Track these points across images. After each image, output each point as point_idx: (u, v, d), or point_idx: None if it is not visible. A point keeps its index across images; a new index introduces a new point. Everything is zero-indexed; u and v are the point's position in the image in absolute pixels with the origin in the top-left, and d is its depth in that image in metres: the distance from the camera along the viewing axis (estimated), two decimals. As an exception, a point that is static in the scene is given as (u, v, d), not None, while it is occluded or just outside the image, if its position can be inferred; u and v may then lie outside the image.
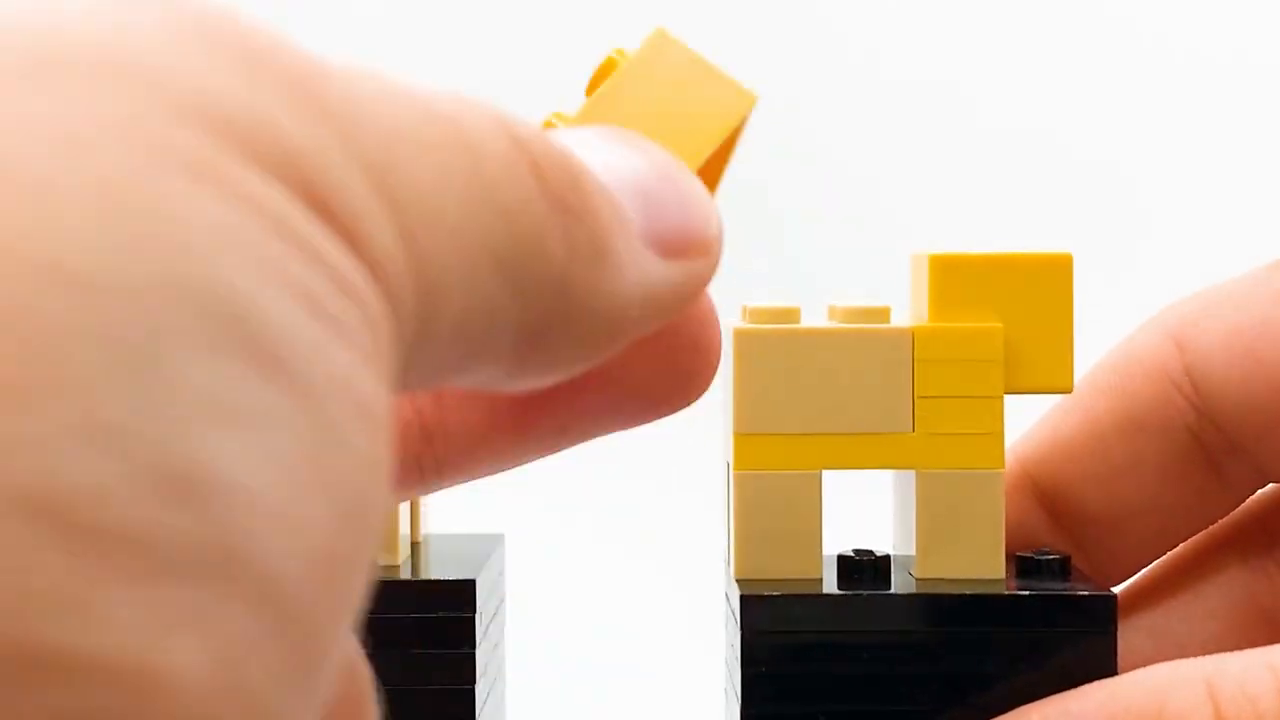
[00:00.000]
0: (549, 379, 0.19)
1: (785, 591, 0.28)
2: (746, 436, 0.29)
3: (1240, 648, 0.27)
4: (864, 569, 0.29)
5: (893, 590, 0.28)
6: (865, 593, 0.28)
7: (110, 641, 0.12)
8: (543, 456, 0.23)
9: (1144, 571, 0.33)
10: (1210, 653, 0.27)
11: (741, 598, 0.28)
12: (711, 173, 0.23)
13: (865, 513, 0.34)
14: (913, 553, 0.29)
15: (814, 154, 0.72)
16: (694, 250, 0.20)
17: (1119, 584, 0.32)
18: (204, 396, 0.13)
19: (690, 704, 0.48)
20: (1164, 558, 0.33)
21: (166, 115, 0.14)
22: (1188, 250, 0.67)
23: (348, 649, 0.20)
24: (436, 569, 0.31)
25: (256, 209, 0.14)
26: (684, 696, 0.50)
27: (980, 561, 0.29)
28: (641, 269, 0.19)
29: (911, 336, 0.29)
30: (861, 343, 0.29)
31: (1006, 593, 0.28)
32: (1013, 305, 0.29)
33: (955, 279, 0.29)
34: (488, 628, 0.32)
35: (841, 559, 0.29)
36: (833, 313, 0.30)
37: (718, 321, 0.23)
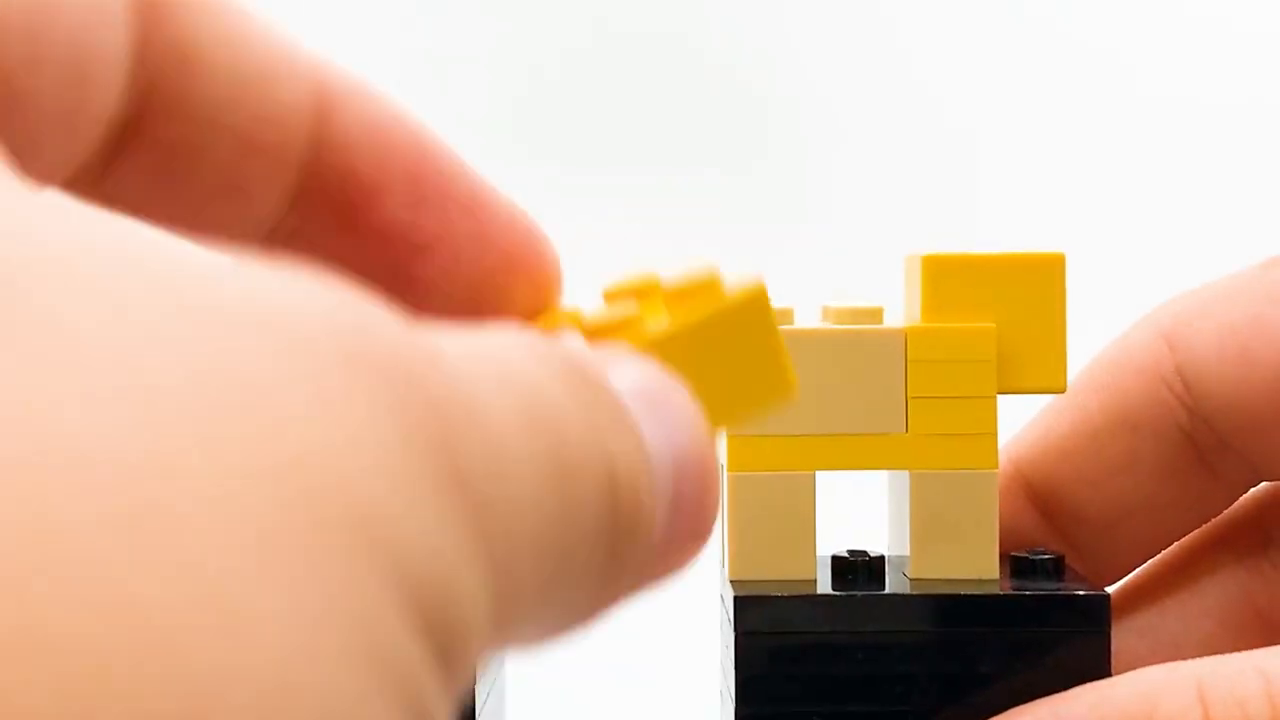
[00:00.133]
0: None
1: (780, 592, 0.28)
2: (740, 438, 0.29)
3: (1235, 647, 0.27)
4: (858, 570, 0.29)
5: (887, 591, 0.28)
6: (859, 593, 0.28)
7: None
8: None
9: (1138, 571, 0.33)
10: (1205, 652, 0.27)
11: (736, 599, 0.28)
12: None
13: (859, 513, 0.34)
14: (907, 553, 0.29)
15: (807, 154, 0.72)
16: (693, 553, 0.19)
17: (1113, 584, 0.32)
18: None
19: (686, 705, 0.48)
20: (1158, 557, 0.33)
21: (372, 588, 0.13)
22: (1180, 249, 0.67)
23: None
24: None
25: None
26: (680, 697, 0.50)
27: (974, 562, 0.29)
28: (645, 572, 0.19)
29: (904, 337, 0.29)
30: (855, 343, 0.29)
31: (1001, 593, 0.28)
32: (1006, 305, 0.29)
33: (948, 279, 0.29)
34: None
35: (836, 560, 0.29)
36: (826, 313, 0.30)
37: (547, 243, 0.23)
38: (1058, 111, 0.72)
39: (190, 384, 0.13)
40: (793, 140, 0.71)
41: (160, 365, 0.13)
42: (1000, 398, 0.29)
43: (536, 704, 0.46)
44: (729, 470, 0.29)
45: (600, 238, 0.70)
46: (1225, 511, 0.33)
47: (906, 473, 0.29)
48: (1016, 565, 0.29)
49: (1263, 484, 0.32)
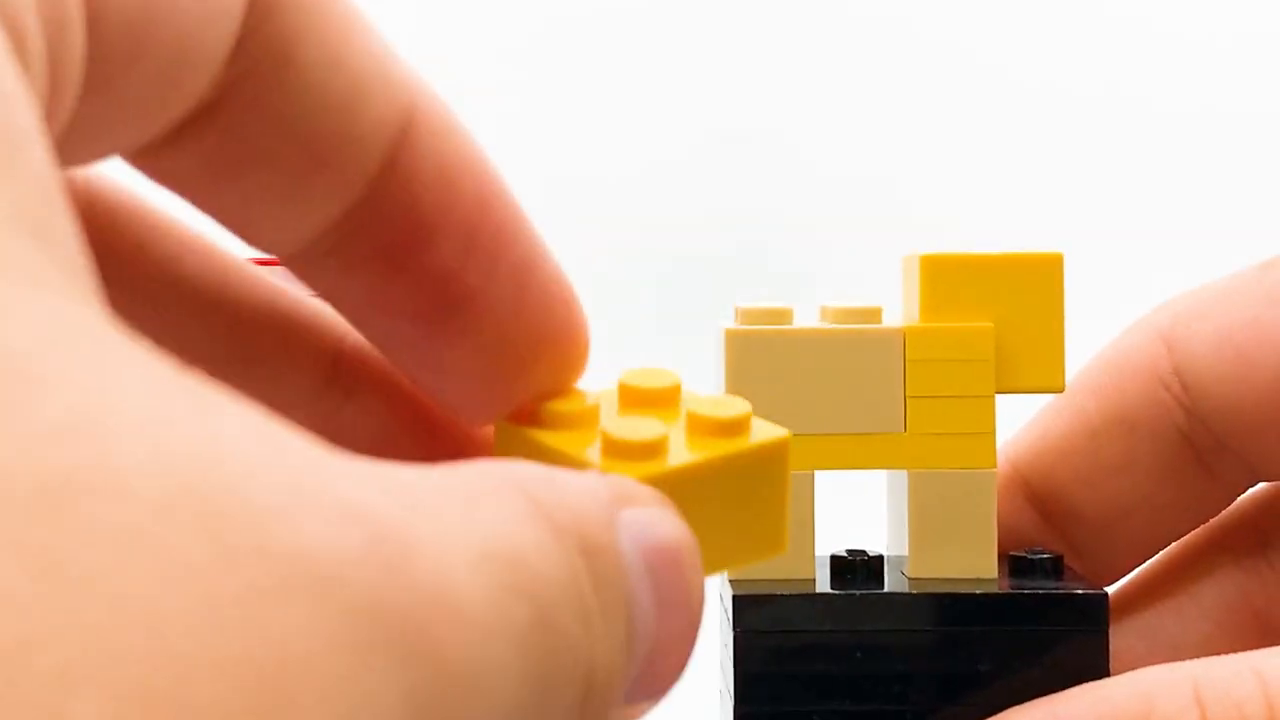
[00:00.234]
0: None
1: (779, 591, 0.28)
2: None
3: (1233, 648, 0.28)
4: (857, 569, 0.29)
5: (886, 590, 0.28)
6: (858, 592, 0.28)
7: None
8: None
9: (1136, 572, 0.33)
10: (1203, 653, 0.27)
11: (735, 598, 0.28)
12: None
13: (858, 513, 0.34)
14: (905, 553, 0.29)
15: (805, 155, 0.72)
16: (654, 705, 0.19)
17: (1111, 583, 0.32)
18: None
19: (685, 704, 0.48)
20: (1156, 558, 0.33)
21: None
22: (1178, 250, 0.68)
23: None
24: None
25: None
26: (679, 697, 0.50)
27: (973, 561, 0.29)
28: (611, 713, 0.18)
29: (903, 337, 0.29)
30: (853, 343, 0.29)
31: (999, 592, 0.28)
32: (1004, 305, 0.29)
33: (946, 279, 0.29)
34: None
35: (834, 559, 0.29)
36: (824, 313, 0.30)
37: (582, 316, 0.23)
38: (1057, 112, 0.72)
39: (214, 680, 0.12)
40: (792, 140, 0.71)
41: (187, 655, 0.12)
42: (998, 397, 0.29)
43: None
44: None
45: (599, 236, 0.70)
46: (1223, 513, 0.33)
47: (905, 472, 0.29)
48: (1015, 564, 0.29)
49: (1260, 485, 0.32)
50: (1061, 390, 0.30)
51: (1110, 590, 0.30)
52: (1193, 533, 0.33)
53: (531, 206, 0.22)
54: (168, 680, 0.12)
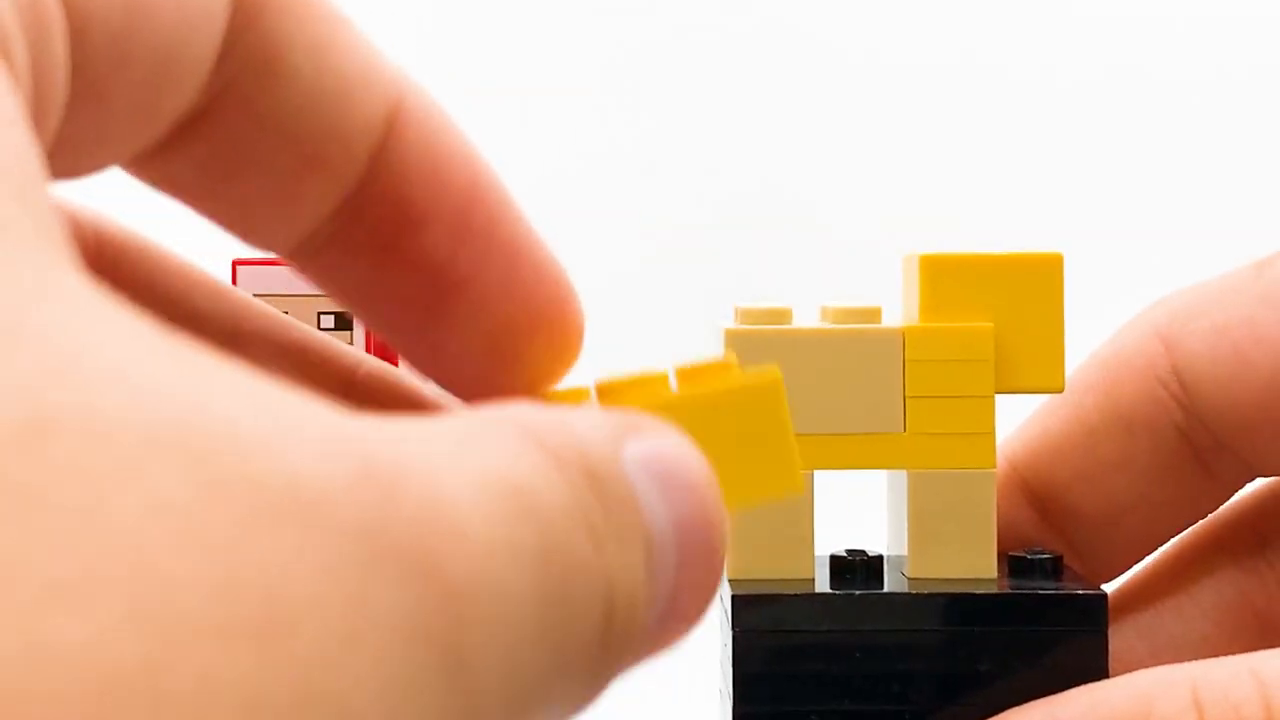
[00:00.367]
0: None
1: (778, 591, 0.28)
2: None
3: (1232, 648, 0.28)
4: (856, 569, 0.29)
5: (885, 590, 0.28)
6: (858, 592, 0.28)
7: None
8: None
9: (1135, 571, 0.33)
10: (1203, 652, 0.28)
11: (734, 598, 0.28)
12: None
13: (857, 513, 0.34)
14: (905, 552, 0.29)
15: (805, 155, 0.72)
16: (688, 631, 0.19)
17: (1110, 582, 0.32)
18: None
19: (684, 704, 0.48)
20: (1155, 557, 0.33)
21: None
22: (1176, 249, 0.68)
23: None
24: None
25: None
26: (678, 697, 0.50)
27: (972, 561, 0.29)
28: (638, 655, 0.18)
29: (902, 337, 0.29)
30: (853, 343, 0.29)
31: (999, 592, 0.28)
32: (1003, 305, 0.29)
33: (946, 279, 0.29)
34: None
35: (834, 559, 0.29)
36: (824, 313, 0.30)
37: (578, 306, 0.23)
38: (1056, 112, 0.72)
39: (204, 599, 0.12)
40: (792, 140, 0.71)
41: (175, 577, 0.12)
42: (998, 397, 0.29)
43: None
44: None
45: (599, 236, 0.70)
46: (1222, 513, 0.33)
47: (904, 472, 0.29)
48: (1014, 565, 0.29)
49: (1259, 486, 0.32)
50: (1061, 390, 0.30)
51: (1109, 590, 0.30)
52: (1192, 533, 0.33)
53: (531, 206, 0.23)
54: (158, 599, 0.12)
